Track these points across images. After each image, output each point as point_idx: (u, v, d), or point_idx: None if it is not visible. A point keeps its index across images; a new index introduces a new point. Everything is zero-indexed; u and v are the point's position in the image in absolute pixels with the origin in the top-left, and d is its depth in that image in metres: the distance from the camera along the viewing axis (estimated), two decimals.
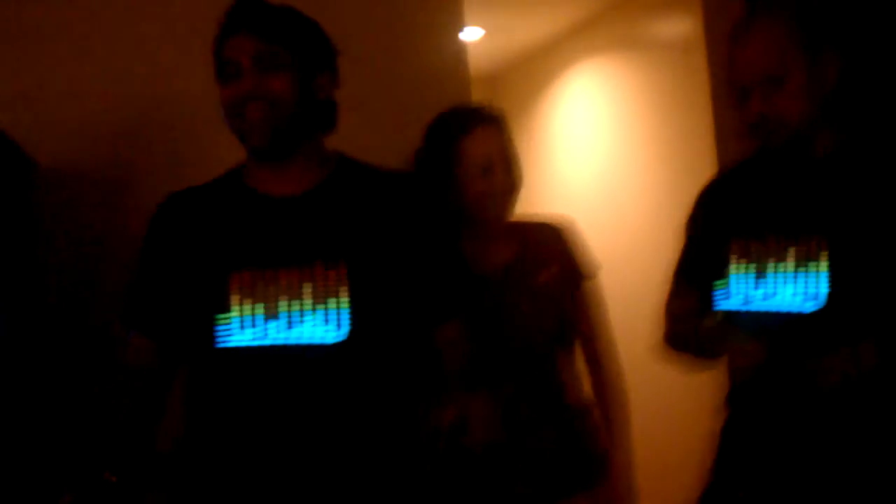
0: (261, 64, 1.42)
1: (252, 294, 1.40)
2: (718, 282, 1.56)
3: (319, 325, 1.39)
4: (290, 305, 1.40)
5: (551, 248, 1.80)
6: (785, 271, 1.47)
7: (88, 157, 2.15)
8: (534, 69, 4.60)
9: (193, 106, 2.07)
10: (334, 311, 1.40)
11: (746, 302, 1.53)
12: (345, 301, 1.40)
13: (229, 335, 1.41)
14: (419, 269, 1.48)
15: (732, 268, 1.55)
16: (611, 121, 3.93)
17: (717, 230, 1.60)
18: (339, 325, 1.40)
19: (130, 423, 1.50)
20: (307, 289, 1.40)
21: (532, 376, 1.75)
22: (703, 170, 2.77)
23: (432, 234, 1.52)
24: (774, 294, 1.49)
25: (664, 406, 3.13)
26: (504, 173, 1.72)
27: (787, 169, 1.53)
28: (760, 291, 1.51)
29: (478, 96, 5.02)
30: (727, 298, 1.56)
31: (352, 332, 1.40)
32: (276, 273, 1.41)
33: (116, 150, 2.16)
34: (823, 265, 1.43)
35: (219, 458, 1.45)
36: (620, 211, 3.87)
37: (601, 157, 4.04)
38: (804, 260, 1.45)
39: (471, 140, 1.71)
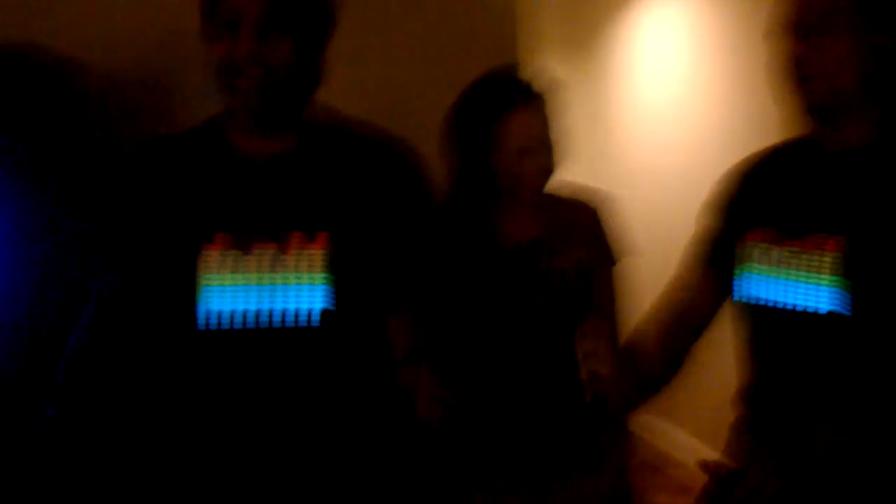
0: (265, 26, 1.30)
1: (223, 265, 1.34)
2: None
3: (299, 296, 1.35)
4: (267, 278, 1.34)
5: (580, 229, 1.72)
6: (797, 274, 1.39)
7: (142, 65, 2.09)
8: None
9: None
10: (312, 285, 1.35)
11: (759, 297, 1.46)
12: (323, 275, 1.34)
13: (206, 303, 1.35)
14: (390, 248, 1.43)
15: (745, 265, 1.48)
16: (691, 46, 3.74)
17: (736, 219, 1.53)
18: (316, 298, 1.35)
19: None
20: (282, 263, 1.34)
21: (546, 353, 1.72)
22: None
23: (407, 213, 1.45)
24: (786, 295, 1.41)
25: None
26: (542, 156, 1.63)
27: (817, 160, 1.44)
28: (773, 290, 1.43)
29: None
30: (740, 292, 1.49)
31: (333, 304, 1.36)
32: (251, 243, 1.35)
33: (170, 57, 2.10)
34: (838, 270, 1.34)
35: (200, 437, 1.41)
36: (691, 140, 3.72)
37: (678, 84, 3.87)
38: (818, 264, 1.37)
39: (510, 121, 1.61)
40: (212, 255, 1.34)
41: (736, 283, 1.50)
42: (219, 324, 1.35)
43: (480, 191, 1.68)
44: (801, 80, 1.39)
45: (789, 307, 1.41)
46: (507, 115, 1.61)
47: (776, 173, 1.52)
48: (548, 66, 4.77)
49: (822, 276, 1.36)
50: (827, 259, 1.36)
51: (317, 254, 1.34)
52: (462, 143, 1.66)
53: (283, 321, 1.34)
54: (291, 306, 1.34)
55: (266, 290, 1.34)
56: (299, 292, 1.34)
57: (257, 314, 1.35)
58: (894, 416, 1.33)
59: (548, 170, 1.65)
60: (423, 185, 1.49)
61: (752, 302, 1.48)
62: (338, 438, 1.41)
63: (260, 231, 1.35)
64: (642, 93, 4.19)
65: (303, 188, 1.39)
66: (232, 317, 1.35)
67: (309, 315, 1.35)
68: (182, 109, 2.00)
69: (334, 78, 2.23)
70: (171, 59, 2.06)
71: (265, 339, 1.35)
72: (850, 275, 1.34)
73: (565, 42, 4.90)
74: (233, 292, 1.34)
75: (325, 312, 1.35)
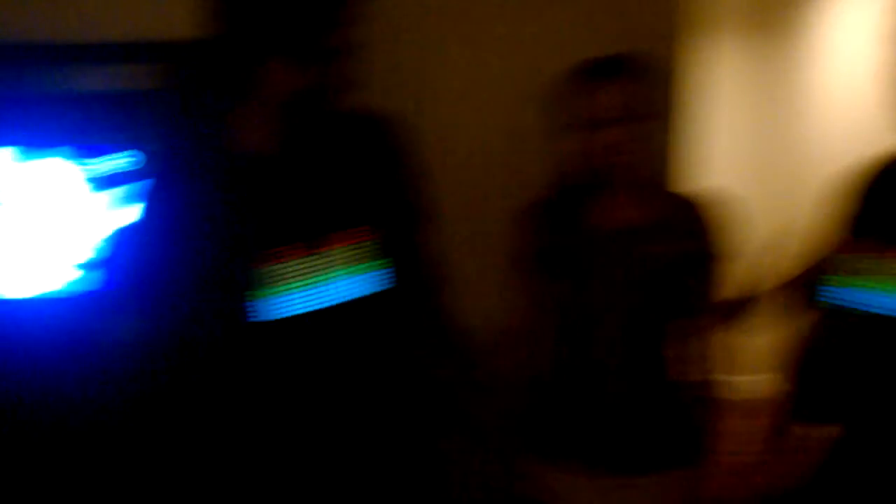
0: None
1: (279, 275, 1.41)
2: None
3: (357, 283, 1.45)
4: (319, 280, 1.42)
5: (682, 223, 1.71)
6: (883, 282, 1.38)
7: None
8: None
9: None
10: (363, 275, 1.44)
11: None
12: (375, 262, 1.44)
13: (272, 309, 1.42)
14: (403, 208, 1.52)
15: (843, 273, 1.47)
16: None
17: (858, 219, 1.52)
18: (372, 284, 1.45)
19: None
20: (331, 262, 1.43)
21: (634, 343, 1.71)
22: None
23: (409, 174, 1.55)
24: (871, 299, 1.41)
25: None
26: (613, 132, 1.63)
27: None
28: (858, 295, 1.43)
29: None
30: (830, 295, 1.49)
31: (386, 285, 1.46)
32: (297, 251, 1.41)
33: None
34: None
35: (256, 416, 1.48)
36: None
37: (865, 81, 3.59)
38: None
39: (585, 93, 1.65)
40: (265, 268, 1.41)
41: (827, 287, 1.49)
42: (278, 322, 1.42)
43: (577, 175, 1.72)
44: None
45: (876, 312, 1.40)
46: (583, 90, 1.64)
47: (887, 182, 1.48)
48: (719, 49, 4.59)
49: None
50: None
51: (362, 245, 1.43)
52: (560, 125, 1.70)
53: (340, 309, 1.43)
54: (350, 296, 1.44)
55: (322, 288, 1.42)
56: (353, 283, 1.44)
57: (316, 311, 1.43)
58: None
59: (618, 147, 1.63)
60: (414, 152, 1.56)
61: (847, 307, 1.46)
62: (384, 411, 1.50)
63: (302, 238, 1.42)
64: (832, 81, 3.91)
65: (322, 187, 1.45)
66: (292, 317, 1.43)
67: (363, 300, 1.44)
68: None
69: (488, 64, 2.28)
70: None
71: (321, 323, 1.44)
72: None
73: (743, 24, 4.67)
74: (292, 297, 1.42)
75: (377, 295, 1.45)
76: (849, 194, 1.56)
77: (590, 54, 1.72)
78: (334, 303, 1.43)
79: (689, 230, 1.71)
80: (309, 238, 1.42)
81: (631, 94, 1.64)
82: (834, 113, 3.87)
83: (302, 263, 1.41)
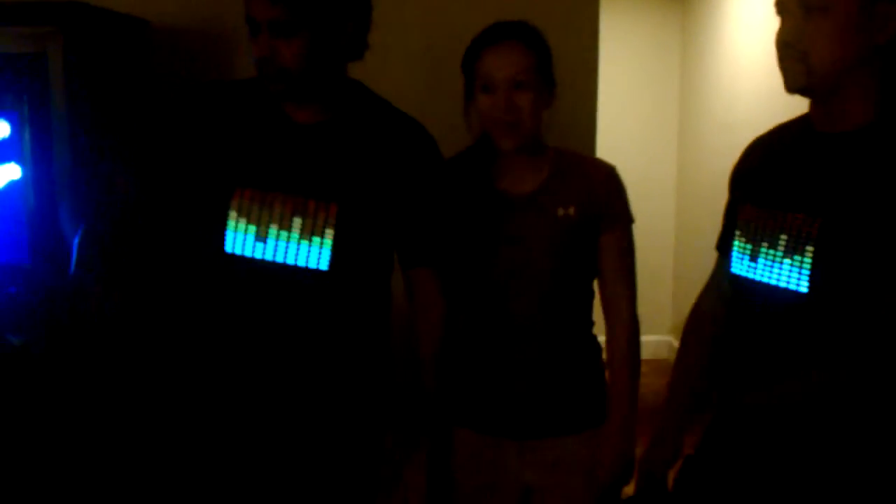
0: (273, 30, 1.44)
1: (248, 213, 1.52)
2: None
3: (303, 254, 1.52)
4: (278, 234, 1.52)
5: (581, 186, 1.74)
6: (775, 252, 1.40)
7: (198, 16, 2.25)
8: None
9: None
10: (317, 248, 1.52)
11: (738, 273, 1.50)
12: (328, 241, 1.51)
13: (227, 241, 1.54)
14: (405, 218, 1.58)
15: (734, 242, 1.51)
16: None
17: (736, 198, 1.56)
18: (319, 259, 1.52)
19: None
20: (296, 222, 1.51)
21: (551, 305, 1.74)
22: None
23: (426, 187, 1.60)
24: (766, 272, 1.43)
25: None
26: (508, 98, 1.64)
27: (806, 140, 1.43)
28: (754, 266, 1.46)
29: None
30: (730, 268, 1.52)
31: (332, 266, 1.52)
32: (273, 198, 1.52)
33: (225, 8, 2.19)
34: (809, 251, 1.35)
35: (208, 358, 1.60)
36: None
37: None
38: (794, 243, 1.37)
39: (483, 57, 1.67)
40: (236, 203, 1.52)
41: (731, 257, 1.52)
42: (238, 260, 1.53)
43: (481, 141, 1.73)
44: (780, 58, 1.37)
45: (761, 282, 1.43)
46: (483, 49, 1.67)
47: (771, 151, 1.52)
48: (635, 19, 4.63)
49: (795, 256, 1.37)
50: (801, 239, 1.36)
51: (326, 222, 1.51)
52: (465, 82, 1.73)
53: (291, 271, 1.52)
54: (301, 262, 1.52)
55: (280, 243, 1.52)
56: (308, 251, 1.52)
57: (270, 263, 1.53)
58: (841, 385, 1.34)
59: (511, 114, 1.64)
60: (437, 162, 1.63)
61: (734, 276, 1.50)
62: (329, 373, 1.58)
63: (282, 190, 1.52)
64: (743, 51, 3.97)
65: (326, 159, 1.55)
66: (250, 258, 1.54)
67: (312, 271, 1.52)
68: (240, 62, 2.06)
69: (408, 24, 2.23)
70: (229, 13, 2.12)
71: (276, 280, 1.53)
72: (820, 255, 1.34)
73: None
74: (252, 238, 1.53)
75: (325, 272, 1.52)
76: (740, 165, 1.61)
77: (509, 17, 1.71)
78: (275, 259, 1.52)
79: (597, 190, 1.73)
80: (289, 192, 1.51)
81: (521, 59, 1.65)
82: (741, 84, 3.94)
83: (266, 210, 1.51)
